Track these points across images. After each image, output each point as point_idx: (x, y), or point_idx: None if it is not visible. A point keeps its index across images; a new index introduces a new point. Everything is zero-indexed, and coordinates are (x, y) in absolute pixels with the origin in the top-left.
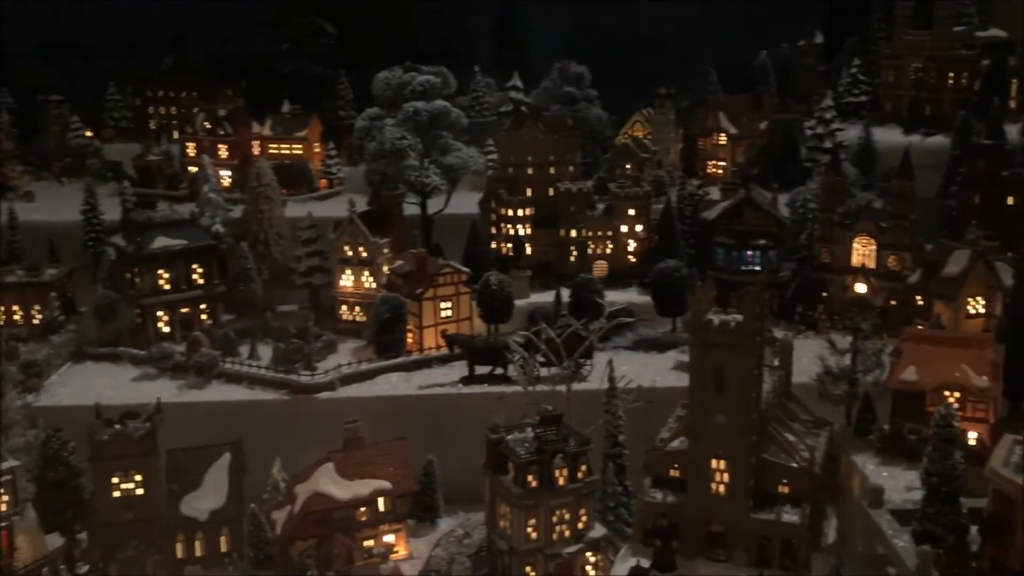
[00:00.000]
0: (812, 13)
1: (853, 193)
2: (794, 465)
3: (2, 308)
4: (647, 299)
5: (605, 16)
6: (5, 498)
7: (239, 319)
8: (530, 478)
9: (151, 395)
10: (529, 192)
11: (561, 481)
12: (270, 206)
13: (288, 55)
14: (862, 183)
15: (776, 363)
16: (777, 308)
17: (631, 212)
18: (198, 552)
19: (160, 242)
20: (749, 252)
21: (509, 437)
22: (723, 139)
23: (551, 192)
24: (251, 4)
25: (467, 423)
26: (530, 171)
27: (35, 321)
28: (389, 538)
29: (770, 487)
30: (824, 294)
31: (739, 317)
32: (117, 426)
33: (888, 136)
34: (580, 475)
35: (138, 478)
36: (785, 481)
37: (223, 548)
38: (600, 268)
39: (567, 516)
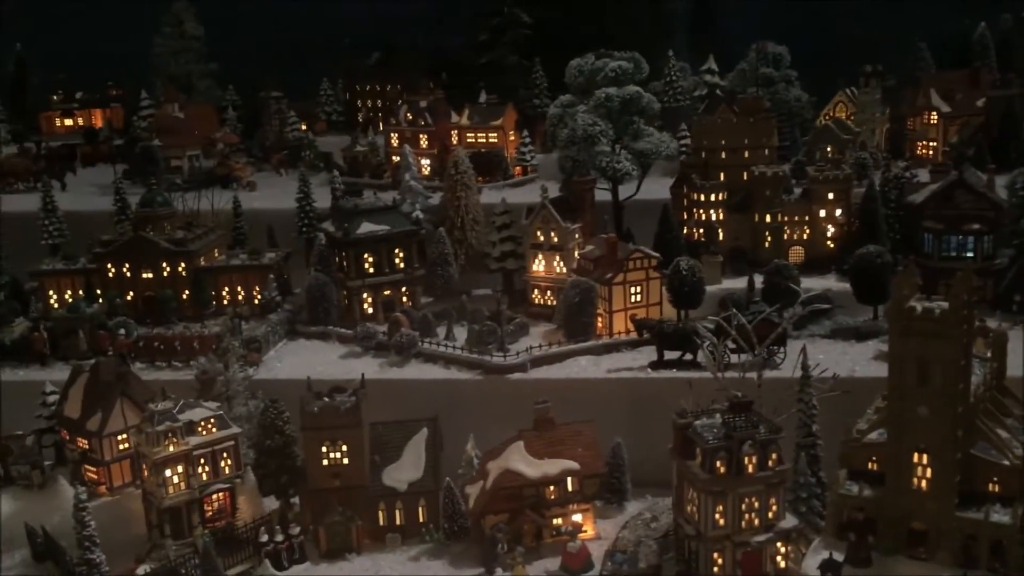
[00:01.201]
0: None
1: None
2: (1006, 463)
3: (227, 288)
4: (846, 286)
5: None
6: (229, 462)
7: (436, 302)
8: (718, 464)
9: (356, 371)
10: (722, 176)
11: (750, 468)
12: (467, 193)
13: (486, 46)
14: None
15: (988, 354)
16: (992, 297)
17: (830, 196)
18: (397, 521)
19: (366, 228)
20: (960, 237)
21: (697, 422)
22: (935, 118)
23: (745, 176)
24: None
25: (655, 407)
26: (724, 155)
27: (255, 301)
28: (577, 518)
29: (978, 485)
30: None
31: (944, 304)
32: (326, 399)
33: None
34: (770, 464)
35: (344, 448)
36: (995, 479)
37: (421, 518)
38: (796, 254)
39: (756, 504)
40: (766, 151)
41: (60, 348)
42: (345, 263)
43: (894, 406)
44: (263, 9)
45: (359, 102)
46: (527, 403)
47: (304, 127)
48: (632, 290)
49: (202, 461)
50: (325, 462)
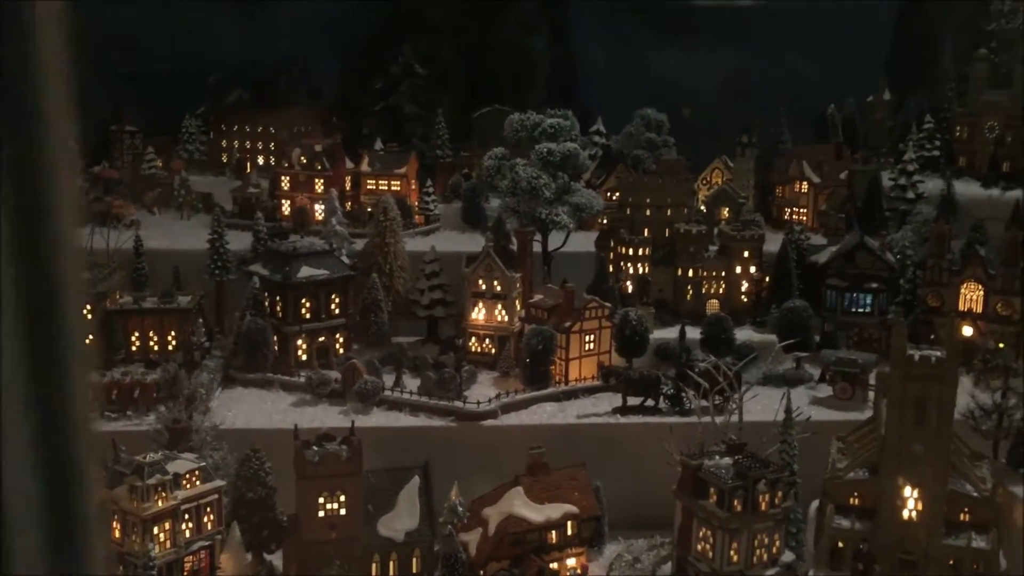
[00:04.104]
0: (871, 70)
1: None
2: (975, 494)
3: (138, 333)
4: (762, 337)
5: (665, 68)
6: (211, 516)
7: (364, 349)
8: (736, 503)
9: (317, 420)
10: (646, 232)
11: (763, 506)
12: (394, 239)
13: (381, 94)
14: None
15: None
16: (885, 347)
17: (745, 254)
18: (392, 572)
19: (305, 271)
20: (860, 294)
21: (705, 463)
22: (805, 187)
23: (667, 233)
24: (343, 43)
25: (623, 452)
26: (648, 212)
27: (170, 348)
28: (571, 561)
29: (952, 515)
30: (932, 336)
31: (938, 352)
32: (316, 447)
33: (964, 189)
34: (777, 501)
35: (342, 498)
36: (966, 509)
37: (414, 569)
38: (712, 307)
39: (766, 540)
40: (686, 209)
41: None
42: (281, 308)
43: (891, 444)
44: (106, 35)
45: (224, 141)
46: (503, 449)
47: (159, 164)
48: (587, 338)
49: (186, 516)
50: (321, 513)
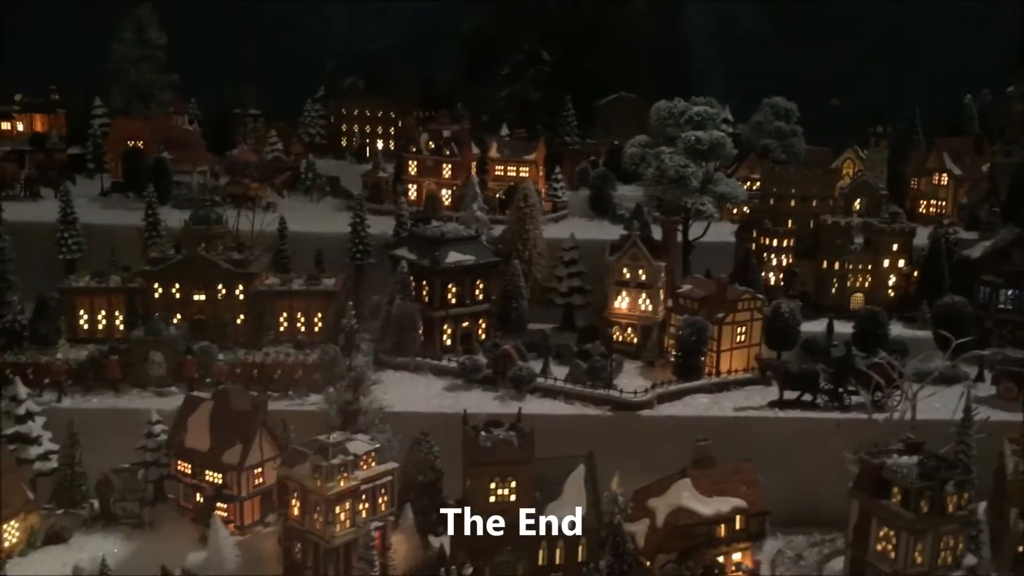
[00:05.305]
0: (1003, 60)
1: None
2: None
3: (286, 314)
4: (911, 333)
5: (787, 59)
6: (385, 498)
7: (504, 335)
8: (922, 503)
9: (471, 404)
10: (790, 224)
11: (950, 507)
12: (534, 225)
13: (506, 80)
14: None
15: None
16: None
17: (894, 247)
18: (558, 560)
19: (453, 257)
20: (1016, 291)
21: (888, 462)
22: (945, 179)
23: (812, 224)
24: (455, 31)
25: (780, 446)
26: (793, 203)
27: (316, 329)
28: (737, 556)
29: None
30: None
31: None
32: (484, 433)
33: None
34: (963, 502)
35: (513, 485)
36: None
37: (580, 557)
38: (857, 300)
39: (951, 542)
40: (830, 201)
41: (134, 374)
42: (428, 293)
43: None
44: (230, 23)
45: (344, 126)
46: (658, 440)
47: (282, 147)
48: (739, 330)
49: (363, 497)
50: (492, 499)
